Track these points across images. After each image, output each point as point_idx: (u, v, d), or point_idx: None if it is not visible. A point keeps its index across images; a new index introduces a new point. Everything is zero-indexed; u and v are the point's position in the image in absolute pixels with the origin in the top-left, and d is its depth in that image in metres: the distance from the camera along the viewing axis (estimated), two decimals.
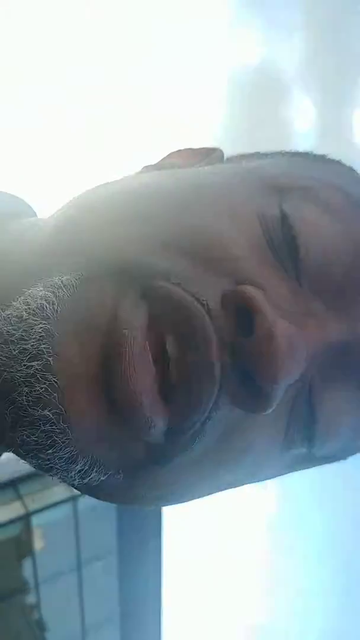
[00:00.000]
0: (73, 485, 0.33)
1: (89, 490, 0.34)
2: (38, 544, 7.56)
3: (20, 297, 0.31)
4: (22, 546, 7.54)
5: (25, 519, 7.38)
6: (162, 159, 0.50)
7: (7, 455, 0.36)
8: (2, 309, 0.31)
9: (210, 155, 0.48)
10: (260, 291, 0.32)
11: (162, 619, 8.31)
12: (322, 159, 0.46)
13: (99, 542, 8.04)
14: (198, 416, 0.30)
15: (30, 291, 0.31)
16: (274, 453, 0.36)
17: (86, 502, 7.93)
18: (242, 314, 0.31)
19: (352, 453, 0.42)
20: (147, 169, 0.48)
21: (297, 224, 0.35)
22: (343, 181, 0.41)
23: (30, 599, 7.64)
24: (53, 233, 0.37)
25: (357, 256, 0.36)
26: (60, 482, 0.33)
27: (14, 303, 0.31)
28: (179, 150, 0.51)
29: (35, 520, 7.49)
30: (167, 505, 0.38)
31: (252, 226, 0.35)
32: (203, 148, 0.50)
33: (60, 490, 7.82)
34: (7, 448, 0.32)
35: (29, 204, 0.51)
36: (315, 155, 0.46)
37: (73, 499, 7.73)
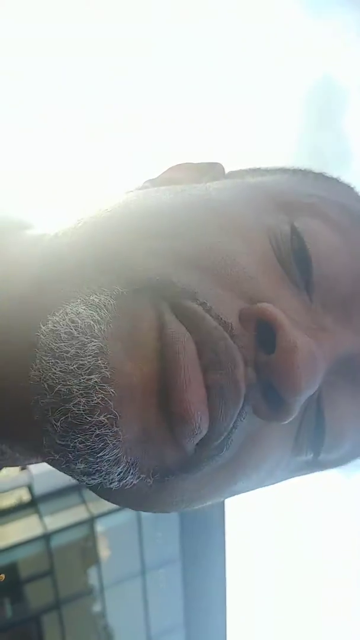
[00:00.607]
0: (107, 493, 0.35)
1: (117, 496, 0.36)
2: (102, 548, 7.63)
3: (59, 312, 0.33)
4: (86, 550, 7.62)
5: (89, 523, 7.45)
6: (162, 173, 0.51)
7: None
8: (42, 323, 0.33)
9: (211, 170, 0.50)
10: (279, 307, 0.33)
11: (226, 624, 8.19)
12: (322, 177, 0.47)
13: (162, 548, 8.03)
14: (227, 424, 0.32)
15: (71, 308, 0.33)
16: (285, 460, 0.39)
17: None
18: (262, 330, 0.33)
19: (352, 459, 0.44)
20: (151, 182, 0.49)
21: (308, 240, 0.37)
22: (344, 198, 0.43)
23: (96, 603, 7.70)
24: (76, 248, 0.37)
25: None
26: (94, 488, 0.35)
27: (54, 317, 0.33)
28: (179, 165, 0.52)
29: (99, 524, 7.57)
30: (183, 510, 0.39)
31: (263, 243, 0.37)
32: (203, 163, 0.51)
33: None
34: (45, 457, 0.33)
35: (20, 215, 0.51)
36: (315, 173, 0.48)
37: None
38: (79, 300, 0.33)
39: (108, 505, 7.70)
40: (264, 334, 0.33)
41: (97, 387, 0.30)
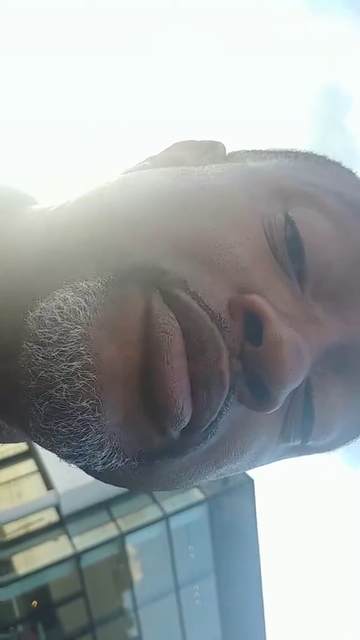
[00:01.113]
0: (93, 473, 0.36)
1: (104, 476, 0.37)
2: (133, 565, 7.53)
3: (48, 298, 0.33)
4: (117, 569, 7.52)
5: (119, 540, 7.36)
6: (165, 150, 0.51)
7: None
8: (30, 309, 0.33)
9: (213, 149, 0.49)
10: (266, 299, 0.34)
11: (265, 635, 7.98)
12: (324, 162, 0.47)
13: (195, 562, 7.91)
14: (210, 414, 0.33)
15: (59, 294, 0.33)
16: (271, 445, 0.39)
17: (179, 520, 7.95)
18: (250, 321, 0.33)
19: (341, 445, 0.45)
20: (152, 160, 0.49)
21: (302, 230, 0.37)
22: (344, 187, 0.43)
23: (131, 623, 7.56)
24: (69, 231, 0.37)
25: (355, 263, 0.38)
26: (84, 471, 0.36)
27: (42, 304, 0.33)
28: (182, 142, 0.51)
29: (129, 541, 7.49)
30: (172, 489, 0.39)
31: (257, 232, 0.37)
32: (206, 141, 0.51)
33: (152, 510, 7.92)
34: (34, 437, 0.34)
35: (29, 190, 0.51)
36: (317, 157, 0.47)
37: (165, 518, 7.74)
38: (67, 286, 0.33)
39: (137, 521, 7.72)
40: (252, 324, 0.33)
41: (78, 374, 0.30)
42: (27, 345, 0.32)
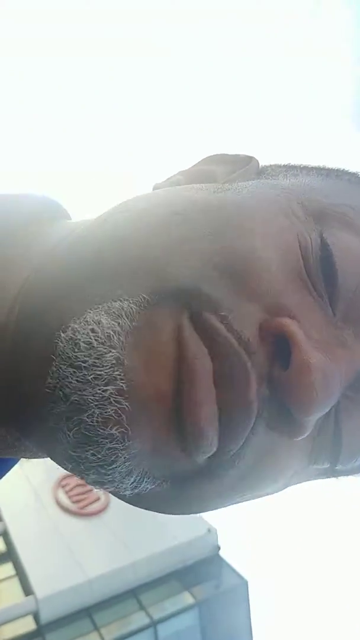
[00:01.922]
0: (122, 497, 0.36)
1: (135, 500, 0.36)
2: None
3: (79, 319, 0.33)
4: None
5: None
6: (196, 164, 0.52)
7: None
8: (62, 330, 0.33)
9: (246, 164, 0.49)
10: (297, 324, 0.34)
11: None
12: (356, 180, 0.46)
13: None
14: (235, 444, 0.32)
15: (91, 316, 0.33)
16: (301, 468, 0.39)
17: (167, 627, 7.52)
18: (280, 343, 0.33)
19: None
20: (183, 174, 0.49)
21: (336, 253, 0.37)
22: None
23: None
24: (101, 250, 0.37)
25: None
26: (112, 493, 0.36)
27: (74, 325, 0.33)
28: (214, 156, 0.52)
29: None
30: (207, 511, 0.39)
31: (292, 253, 0.37)
32: (238, 155, 0.51)
33: (138, 617, 7.51)
34: (59, 462, 0.34)
35: (62, 204, 0.51)
36: (349, 175, 0.47)
37: (153, 625, 7.40)
38: (100, 307, 0.33)
39: (123, 629, 7.26)
40: (282, 347, 0.33)
41: (111, 399, 0.30)
42: (60, 367, 0.31)
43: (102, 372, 0.31)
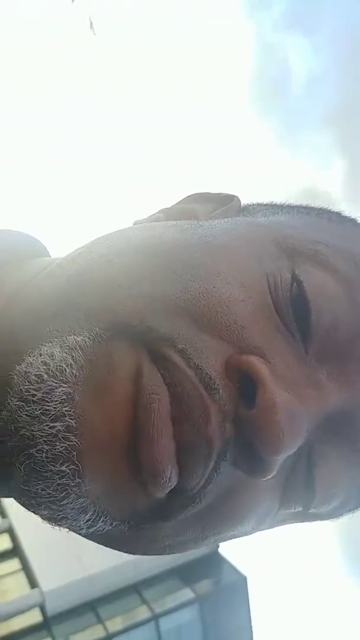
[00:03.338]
0: (80, 534, 0.35)
1: (93, 537, 0.35)
2: None
3: (35, 353, 0.32)
4: None
5: None
6: (179, 202, 0.51)
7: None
8: (18, 362, 0.33)
9: (227, 203, 0.49)
10: (264, 362, 0.33)
11: None
12: (337, 219, 0.46)
13: None
14: (196, 482, 0.31)
15: (46, 349, 0.32)
16: (272, 510, 0.38)
17: (169, 621, 7.67)
18: (245, 382, 0.32)
19: (344, 513, 0.43)
20: (164, 212, 0.49)
21: (309, 290, 0.36)
22: (355, 246, 0.41)
23: None
24: (65, 285, 0.37)
25: None
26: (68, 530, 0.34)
27: (29, 358, 0.32)
28: (196, 194, 0.52)
29: None
30: (168, 554, 0.38)
31: (260, 290, 0.36)
32: (220, 194, 0.50)
33: (141, 612, 7.66)
34: (16, 497, 0.33)
35: (43, 243, 0.52)
36: (331, 213, 0.46)
37: (155, 618, 7.47)
38: (55, 341, 0.33)
39: (126, 622, 7.28)
40: (248, 386, 0.32)
41: (60, 436, 0.30)
42: (11, 400, 0.31)
43: (51, 407, 0.30)
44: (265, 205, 0.49)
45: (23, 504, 0.33)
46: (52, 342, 0.33)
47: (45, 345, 0.33)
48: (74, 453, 0.29)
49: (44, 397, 0.30)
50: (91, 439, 0.30)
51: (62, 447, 0.29)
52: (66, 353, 0.32)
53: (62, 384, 0.30)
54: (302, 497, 0.38)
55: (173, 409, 0.31)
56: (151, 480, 0.31)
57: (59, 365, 0.31)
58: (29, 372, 0.31)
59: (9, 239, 0.49)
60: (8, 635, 7.06)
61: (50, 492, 0.30)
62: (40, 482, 0.30)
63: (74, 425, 0.30)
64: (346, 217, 0.46)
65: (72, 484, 0.30)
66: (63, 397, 0.30)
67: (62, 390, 0.30)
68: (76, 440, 0.30)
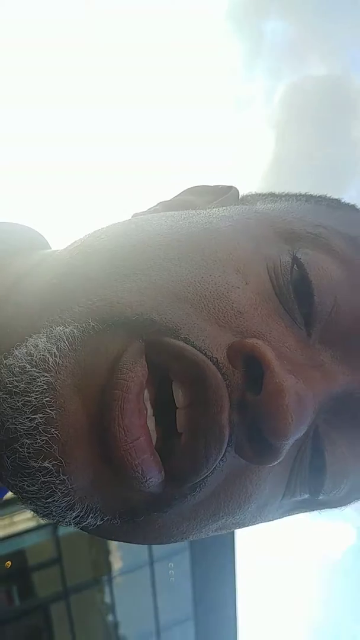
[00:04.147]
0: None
1: (87, 531, 0.34)
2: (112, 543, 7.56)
3: (22, 345, 0.31)
4: (94, 539, 7.56)
5: None
6: (177, 195, 0.50)
7: None
8: (4, 356, 0.32)
9: (225, 194, 0.48)
10: (268, 345, 0.32)
11: (237, 614, 8.14)
12: (336, 204, 0.45)
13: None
14: (203, 473, 0.30)
15: (32, 341, 0.31)
16: (276, 499, 0.36)
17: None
18: (250, 367, 0.31)
19: (355, 500, 0.41)
20: (162, 205, 0.48)
21: (311, 272, 0.35)
22: (356, 230, 0.40)
23: (104, 593, 7.66)
24: (60, 277, 0.36)
25: None
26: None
27: (16, 351, 0.31)
28: (194, 187, 0.51)
29: None
30: (165, 543, 0.37)
31: (261, 276, 0.35)
32: (218, 186, 0.50)
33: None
34: (7, 488, 0.32)
35: (43, 235, 0.51)
36: (329, 200, 0.46)
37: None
38: (43, 331, 0.32)
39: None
40: (252, 370, 0.31)
41: (40, 429, 0.28)
42: None
43: (32, 398, 0.29)
44: (264, 194, 0.48)
45: (16, 496, 0.31)
46: (39, 333, 0.32)
47: (32, 337, 0.32)
48: (55, 447, 0.28)
49: (26, 388, 0.29)
50: (71, 432, 0.29)
51: (42, 440, 0.28)
52: (51, 343, 0.30)
53: (44, 373, 0.29)
54: (309, 483, 0.37)
55: (184, 392, 0.30)
56: (125, 477, 0.29)
57: (42, 355, 0.30)
58: (13, 364, 0.31)
59: (9, 230, 0.48)
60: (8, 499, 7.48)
61: (35, 489, 0.29)
62: (25, 478, 0.29)
63: (54, 416, 0.28)
64: (346, 203, 0.46)
65: (57, 482, 0.28)
66: (44, 387, 0.29)
67: (43, 380, 0.29)
68: (56, 433, 0.28)
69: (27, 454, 0.28)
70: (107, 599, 7.68)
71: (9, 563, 7.24)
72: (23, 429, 0.29)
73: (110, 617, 7.81)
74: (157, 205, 0.49)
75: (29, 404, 0.29)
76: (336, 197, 0.46)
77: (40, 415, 0.29)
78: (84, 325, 0.31)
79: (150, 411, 0.31)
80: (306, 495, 0.38)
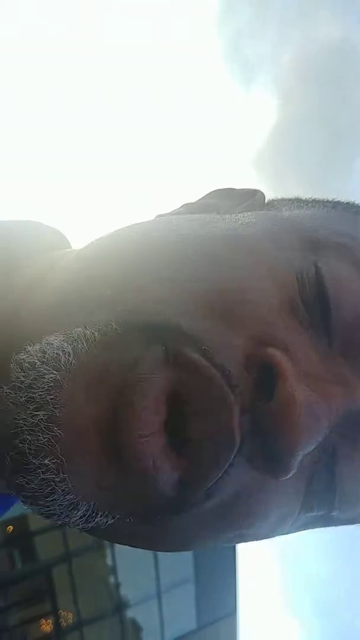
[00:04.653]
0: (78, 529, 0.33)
1: (97, 533, 0.33)
2: None
3: (37, 343, 0.31)
4: None
5: None
6: (202, 198, 0.50)
7: None
8: (16, 351, 0.31)
9: (251, 198, 0.48)
10: (285, 354, 0.31)
11: (237, 576, 8.27)
12: None
13: None
14: (212, 480, 0.30)
15: (48, 339, 0.31)
16: (291, 514, 0.36)
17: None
18: (265, 376, 0.31)
19: None
20: (187, 207, 0.48)
21: (329, 283, 0.35)
22: None
23: (106, 556, 7.77)
24: (81, 278, 0.36)
25: None
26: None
27: (29, 348, 0.31)
28: (219, 190, 0.50)
29: None
30: (178, 550, 0.36)
31: (285, 284, 0.35)
32: (244, 189, 0.49)
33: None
34: (8, 487, 0.32)
35: (62, 233, 0.50)
36: (357, 207, 0.45)
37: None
38: (61, 331, 0.31)
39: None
40: (267, 379, 0.31)
41: (42, 426, 0.28)
42: (3, 389, 0.30)
43: (36, 395, 0.28)
44: (290, 199, 0.48)
45: (17, 495, 0.31)
46: (57, 332, 0.31)
47: (49, 336, 0.31)
48: (57, 446, 0.28)
49: (31, 383, 0.29)
50: (74, 431, 0.28)
51: (44, 438, 0.28)
52: (67, 343, 0.30)
53: (52, 371, 0.29)
54: (324, 499, 0.36)
55: (192, 404, 0.29)
56: (136, 476, 0.29)
57: (56, 353, 0.30)
58: (23, 359, 0.30)
59: (29, 227, 0.47)
60: None
61: (34, 486, 0.29)
62: (24, 475, 0.29)
63: (57, 414, 0.28)
64: None
65: (57, 479, 0.28)
66: (50, 385, 0.29)
67: (50, 377, 0.29)
68: (59, 431, 0.28)
69: (27, 451, 0.28)
70: (109, 562, 7.79)
71: (10, 527, 7.32)
72: (25, 425, 0.28)
73: (111, 580, 7.93)
74: (180, 207, 0.49)
75: (32, 400, 0.29)
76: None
77: (43, 412, 0.28)
78: (106, 328, 0.31)
79: (164, 413, 0.30)
80: (322, 512, 0.37)
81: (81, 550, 7.46)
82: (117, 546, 7.49)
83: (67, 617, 7.62)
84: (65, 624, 7.59)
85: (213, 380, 0.30)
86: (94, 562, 7.80)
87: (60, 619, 7.55)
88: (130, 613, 8.22)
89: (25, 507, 0.31)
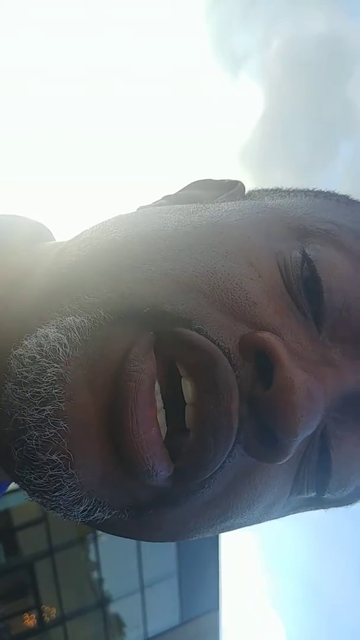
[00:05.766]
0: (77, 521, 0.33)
1: (93, 525, 0.34)
2: None
3: (32, 335, 0.31)
4: None
5: None
6: (182, 189, 0.51)
7: None
8: (14, 347, 0.31)
9: (231, 188, 0.48)
10: (280, 339, 0.32)
11: (220, 570, 8.30)
12: (345, 201, 0.45)
13: None
14: (212, 467, 0.30)
15: (42, 331, 0.31)
16: (283, 497, 0.36)
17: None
18: (260, 360, 0.31)
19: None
20: (167, 199, 0.48)
21: (320, 269, 0.35)
22: None
23: (89, 551, 7.75)
24: (69, 269, 0.36)
25: None
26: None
27: (26, 342, 0.31)
28: (200, 181, 0.51)
29: None
30: (174, 541, 0.37)
31: (270, 269, 0.35)
32: (224, 180, 0.50)
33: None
34: (14, 480, 0.33)
35: (45, 226, 0.51)
36: (338, 196, 0.45)
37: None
38: (52, 322, 0.31)
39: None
40: (263, 363, 0.31)
41: (49, 421, 0.28)
42: (7, 385, 0.30)
43: (41, 390, 0.29)
44: (271, 190, 0.49)
45: (21, 487, 0.31)
46: (49, 324, 0.31)
47: (42, 327, 0.31)
48: (64, 441, 0.28)
49: (35, 378, 0.29)
50: (80, 425, 0.28)
51: (51, 433, 0.28)
52: (61, 333, 0.30)
53: (54, 364, 0.29)
54: (315, 480, 0.36)
55: (195, 382, 0.30)
56: (134, 471, 0.29)
57: (53, 345, 0.30)
58: (23, 354, 0.30)
59: (12, 223, 0.47)
60: None
61: (43, 482, 0.29)
62: (32, 471, 0.29)
63: (63, 409, 0.28)
64: (355, 200, 0.46)
65: (65, 475, 0.28)
66: (54, 378, 0.29)
67: (53, 371, 0.29)
68: (65, 426, 0.28)
69: (35, 446, 0.28)
70: (92, 557, 7.78)
71: None
72: (31, 420, 0.28)
73: (95, 575, 7.92)
74: (162, 199, 0.49)
75: (38, 395, 0.29)
76: (345, 194, 0.46)
77: (49, 407, 0.28)
78: (94, 315, 0.31)
79: (160, 404, 0.31)
80: (313, 494, 0.37)
81: (65, 545, 7.43)
82: (101, 541, 7.49)
83: (50, 611, 7.60)
84: (48, 619, 7.58)
85: (213, 354, 0.30)
86: (77, 557, 7.78)
87: (44, 614, 7.53)
88: (113, 608, 8.21)
89: (20, 499, 0.31)
